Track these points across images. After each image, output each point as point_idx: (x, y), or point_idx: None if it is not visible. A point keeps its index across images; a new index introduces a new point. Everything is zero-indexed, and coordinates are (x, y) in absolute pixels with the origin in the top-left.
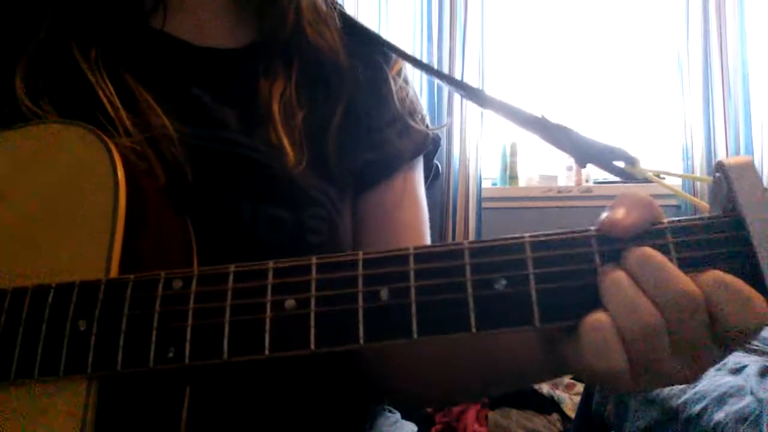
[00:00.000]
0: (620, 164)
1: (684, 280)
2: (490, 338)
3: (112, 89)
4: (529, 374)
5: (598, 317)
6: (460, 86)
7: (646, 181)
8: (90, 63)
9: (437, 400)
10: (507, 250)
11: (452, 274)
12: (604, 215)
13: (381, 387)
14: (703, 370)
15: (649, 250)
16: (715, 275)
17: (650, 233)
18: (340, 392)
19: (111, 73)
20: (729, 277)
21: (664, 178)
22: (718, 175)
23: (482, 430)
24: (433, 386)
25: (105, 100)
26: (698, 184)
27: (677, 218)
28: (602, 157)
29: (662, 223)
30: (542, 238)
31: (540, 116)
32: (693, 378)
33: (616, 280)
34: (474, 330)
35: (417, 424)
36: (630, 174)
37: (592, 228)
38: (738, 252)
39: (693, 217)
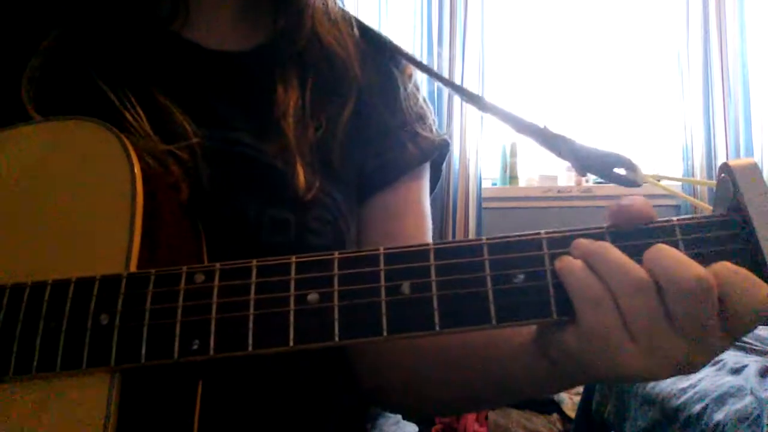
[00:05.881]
0: (621, 171)
1: (694, 264)
2: (490, 348)
3: (129, 94)
4: (528, 384)
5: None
6: (463, 92)
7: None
8: (109, 69)
9: (427, 410)
10: (525, 246)
11: (472, 269)
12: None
13: (373, 394)
14: (706, 354)
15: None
16: (724, 264)
17: (661, 231)
18: (341, 392)
19: (128, 77)
20: (737, 267)
21: (660, 181)
22: (723, 176)
23: (482, 430)
24: (425, 396)
25: (128, 108)
26: (698, 185)
27: (687, 216)
28: (602, 165)
29: (671, 220)
30: (557, 235)
31: (542, 126)
32: (702, 358)
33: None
34: (494, 322)
35: (417, 425)
36: (631, 181)
37: (605, 225)
38: (744, 248)
39: (701, 215)
